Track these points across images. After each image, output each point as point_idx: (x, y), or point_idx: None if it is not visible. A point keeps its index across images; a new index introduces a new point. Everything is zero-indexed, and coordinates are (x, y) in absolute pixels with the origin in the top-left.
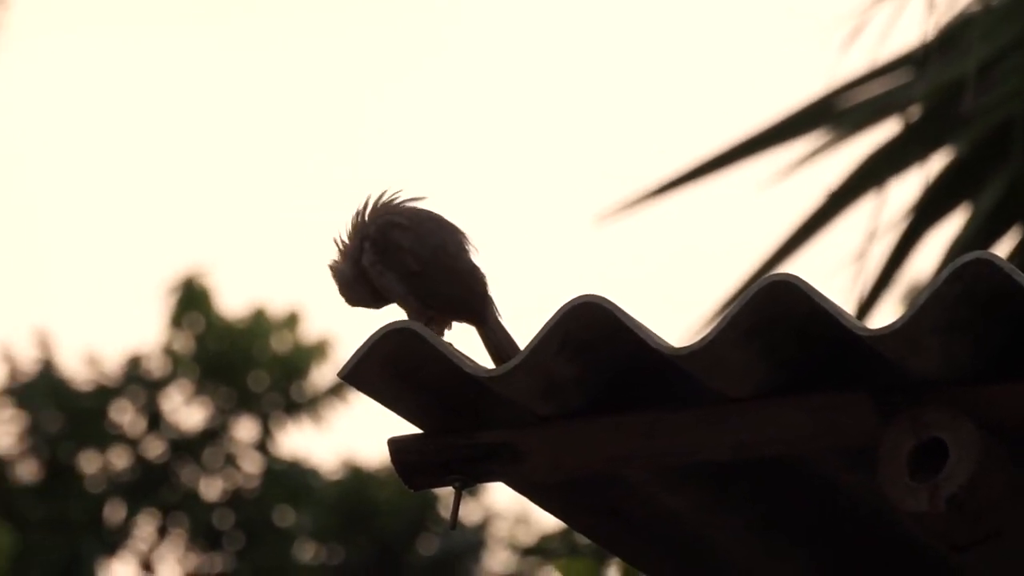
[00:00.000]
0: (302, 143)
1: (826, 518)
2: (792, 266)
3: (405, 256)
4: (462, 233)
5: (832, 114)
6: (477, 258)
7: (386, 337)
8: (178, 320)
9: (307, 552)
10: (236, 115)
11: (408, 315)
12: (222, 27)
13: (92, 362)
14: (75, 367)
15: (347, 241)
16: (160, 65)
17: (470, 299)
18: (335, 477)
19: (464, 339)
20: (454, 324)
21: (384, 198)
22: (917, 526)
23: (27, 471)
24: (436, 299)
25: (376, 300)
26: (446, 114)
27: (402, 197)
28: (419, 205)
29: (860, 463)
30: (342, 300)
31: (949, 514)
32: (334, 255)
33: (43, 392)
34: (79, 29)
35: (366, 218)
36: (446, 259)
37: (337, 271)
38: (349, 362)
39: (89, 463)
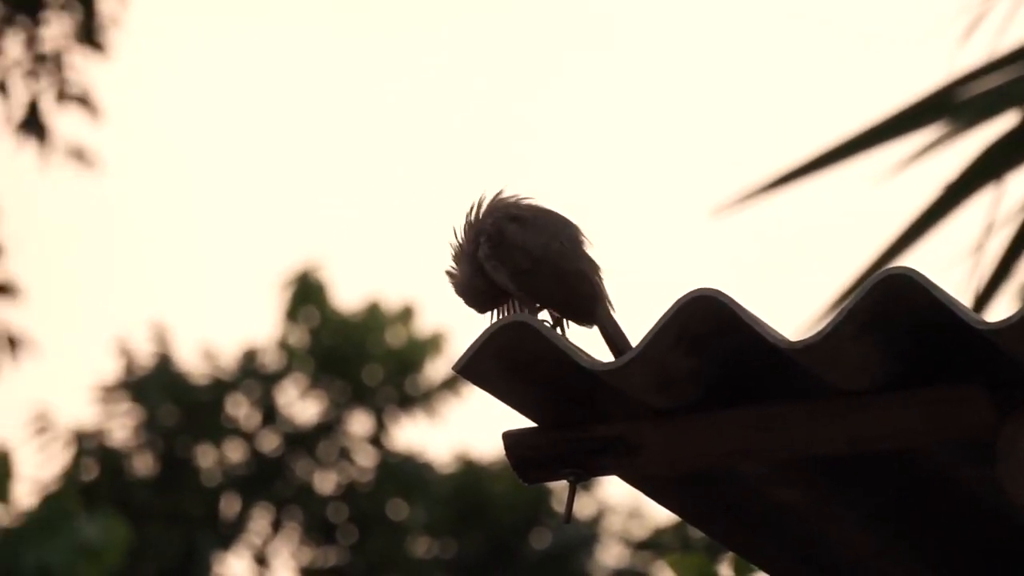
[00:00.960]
0: (419, 137)
1: (942, 513)
2: (909, 259)
3: (517, 253)
4: (576, 227)
5: (950, 106)
6: (592, 251)
7: (501, 331)
8: (293, 314)
9: (420, 546)
10: (353, 109)
11: (522, 310)
12: (349, 21)
13: (208, 356)
14: (191, 361)
15: (462, 241)
16: (277, 59)
17: (576, 301)
18: (449, 471)
19: (578, 333)
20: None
21: (501, 196)
22: None
23: (143, 464)
24: (543, 298)
25: (493, 300)
26: (567, 109)
27: (515, 195)
28: (533, 202)
29: (977, 458)
30: (462, 303)
31: None
32: (449, 259)
33: (159, 386)
34: (190, 24)
35: (480, 215)
36: (556, 258)
37: (453, 275)
38: (464, 356)
39: (205, 457)
